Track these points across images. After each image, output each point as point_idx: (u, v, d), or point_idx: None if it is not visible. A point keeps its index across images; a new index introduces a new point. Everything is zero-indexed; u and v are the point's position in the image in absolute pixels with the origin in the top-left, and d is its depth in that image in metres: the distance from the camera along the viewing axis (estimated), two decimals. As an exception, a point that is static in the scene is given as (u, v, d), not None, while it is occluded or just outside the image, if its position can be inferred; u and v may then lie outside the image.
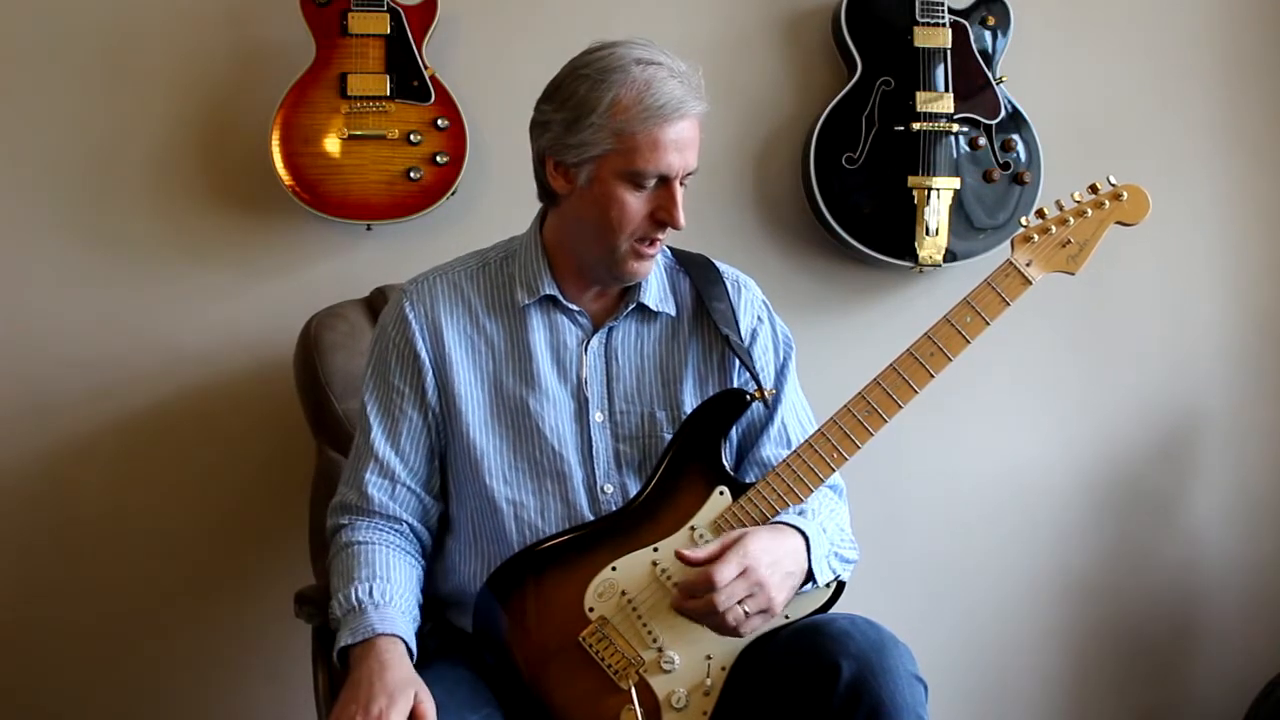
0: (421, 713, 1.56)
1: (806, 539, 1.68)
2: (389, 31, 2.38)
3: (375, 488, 1.81)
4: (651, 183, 1.72)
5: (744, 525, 1.70)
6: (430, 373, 1.82)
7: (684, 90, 1.72)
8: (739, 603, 1.59)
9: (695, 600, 1.60)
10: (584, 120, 1.71)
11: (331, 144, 2.38)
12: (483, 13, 2.52)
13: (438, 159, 2.39)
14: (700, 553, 1.61)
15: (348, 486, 1.84)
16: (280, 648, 2.44)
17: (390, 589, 1.72)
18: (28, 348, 2.44)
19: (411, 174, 2.38)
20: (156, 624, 2.50)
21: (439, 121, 2.40)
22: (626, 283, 1.81)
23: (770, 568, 1.61)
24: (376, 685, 1.57)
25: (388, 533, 1.81)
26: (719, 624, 1.61)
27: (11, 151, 2.43)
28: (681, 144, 1.72)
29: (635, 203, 1.73)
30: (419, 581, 1.80)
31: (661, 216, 1.73)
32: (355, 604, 1.69)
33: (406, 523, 1.82)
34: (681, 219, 1.74)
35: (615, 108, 1.70)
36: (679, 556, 1.63)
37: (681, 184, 1.75)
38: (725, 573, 1.58)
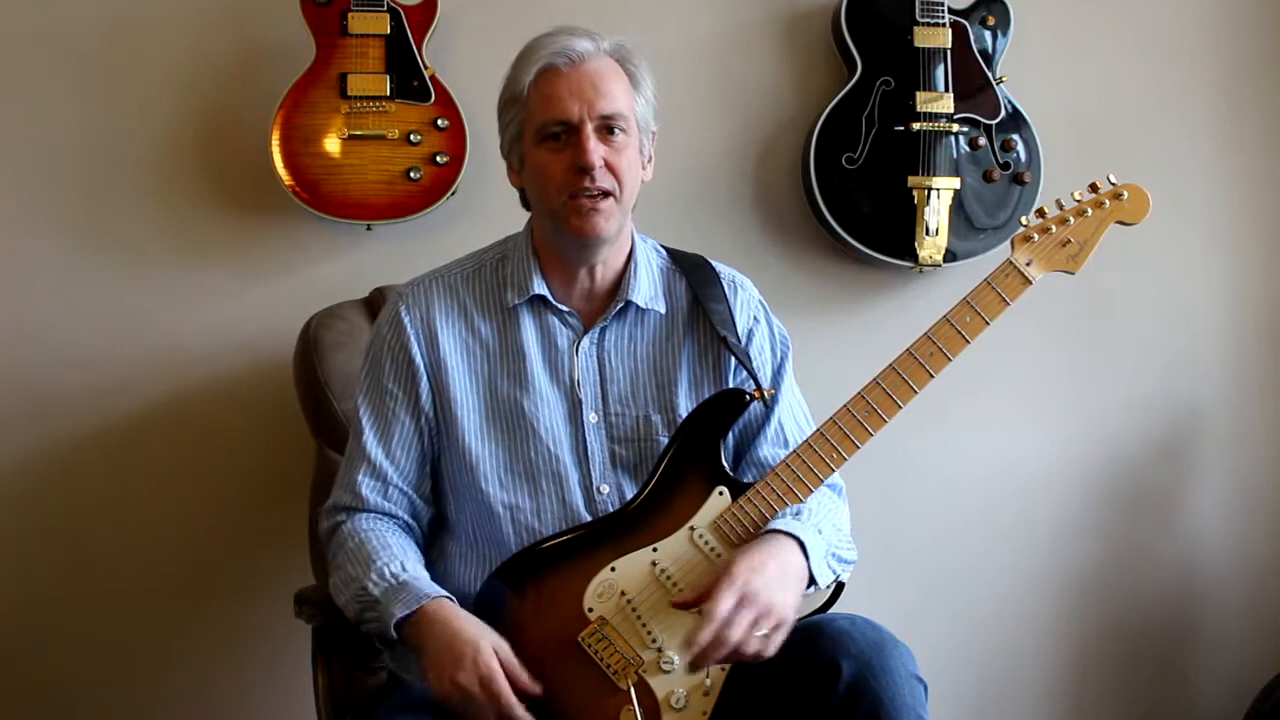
0: (505, 657, 1.59)
1: (802, 544, 1.67)
2: (389, 31, 2.38)
3: (368, 489, 1.81)
4: (561, 135, 1.74)
5: (744, 525, 1.70)
6: (425, 378, 1.82)
7: (570, 38, 1.76)
8: (753, 629, 1.58)
9: (711, 649, 1.58)
10: (501, 106, 1.81)
11: (331, 144, 2.37)
12: (483, 13, 2.52)
13: (438, 159, 2.39)
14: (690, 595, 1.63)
15: (341, 489, 1.84)
16: (280, 648, 2.44)
17: (411, 565, 1.72)
18: (28, 348, 2.44)
19: (411, 174, 2.38)
20: (156, 624, 2.50)
21: (439, 121, 2.40)
22: (587, 244, 1.79)
23: (765, 586, 1.60)
24: (459, 642, 1.59)
25: (386, 522, 1.81)
26: (740, 657, 1.60)
27: (11, 151, 2.43)
28: (576, 89, 1.74)
29: (554, 160, 1.75)
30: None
31: (578, 162, 1.73)
32: (392, 579, 1.68)
33: (401, 519, 1.82)
34: (592, 159, 1.72)
35: (515, 83, 1.78)
36: (677, 605, 1.64)
37: (610, 131, 1.75)
38: (723, 606, 1.57)
